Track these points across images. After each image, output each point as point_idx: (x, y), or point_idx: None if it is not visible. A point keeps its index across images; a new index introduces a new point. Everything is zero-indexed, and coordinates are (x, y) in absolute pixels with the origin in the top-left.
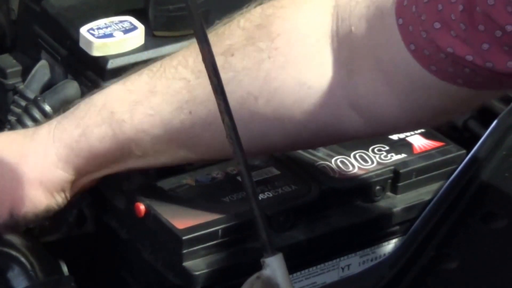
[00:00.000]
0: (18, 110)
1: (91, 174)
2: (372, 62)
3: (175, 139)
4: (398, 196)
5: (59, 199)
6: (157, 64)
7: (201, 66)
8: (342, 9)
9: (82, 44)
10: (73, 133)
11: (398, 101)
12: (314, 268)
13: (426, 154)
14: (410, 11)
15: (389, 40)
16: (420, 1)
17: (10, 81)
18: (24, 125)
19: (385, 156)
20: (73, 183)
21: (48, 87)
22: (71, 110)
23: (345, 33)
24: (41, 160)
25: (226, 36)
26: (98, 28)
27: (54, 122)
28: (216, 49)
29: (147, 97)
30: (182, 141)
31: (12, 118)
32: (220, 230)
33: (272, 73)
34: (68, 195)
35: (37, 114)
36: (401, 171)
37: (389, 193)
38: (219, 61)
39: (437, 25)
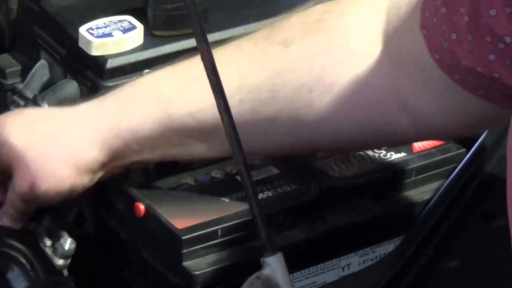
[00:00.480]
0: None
1: (126, 157)
2: (414, 66)
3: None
4: (398, 195)
5: (86, 180)
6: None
7: (257, 54)
8: (391, 10)
9: (81, 44)
10: (115, 113)
11: (438, 105)
12: (314, 267)
13: (425, 153)
14: (431, 22)
15: (422, 47)
16: (439, 12)
17: (9, 81)
18: None
19: (385, 155)
20: (105, 165)
21: (47, 86)
22: (114, 91)
23: (393, 33)
24: (75, 138)
25: (283, 28)
26: (97, 28)
27: (93, 101)
28: (273, 39)
29: (199, 80)
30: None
31: None
32: (219, 230)
33: (328, 67)
34: (96, 177)
35: None
36: (400, 170)
37: (388, 192)
38: (275, 51)
39: (454, 36)
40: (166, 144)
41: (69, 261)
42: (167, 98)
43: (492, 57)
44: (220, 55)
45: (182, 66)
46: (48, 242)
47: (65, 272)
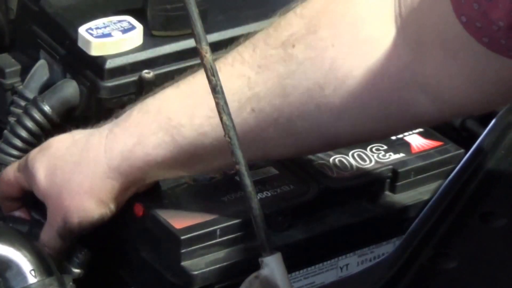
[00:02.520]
0: (17, 111)
1: (143, 181)
2: (435, 39)
3: (239, 138)
4: (397, 195)
5: (112, 207)
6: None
7: (260, 60)
8: None
9: (80, 44)
10: (127, 142)
11: (463, 77)
12: (313, 267)
13: (424, 153)
14: None
15: (446, 13)
16: None
17: (8, 81)
18: (24, 126)
19: (383, 156)
20: (126, 190)
21: (46, 86)
22: (123, 117)
23: (409, 12)
24: (92, 170)
25: (283, 27)
26: (97, 28)
27: (105, 130)
28: (274, 42)
29: (205, 99)
30: (246, 141)
31: (12, 119)
32: (218, 230)
33: (338, 61)
34: (122, 201)
35: (36, 114)
36: (399, 170)
37: (387, 193)
38: (279, 54)
39: None
40: (187, 163)
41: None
42: (176, 124)
43: None
44: (223, 69)
45: (187, 85)
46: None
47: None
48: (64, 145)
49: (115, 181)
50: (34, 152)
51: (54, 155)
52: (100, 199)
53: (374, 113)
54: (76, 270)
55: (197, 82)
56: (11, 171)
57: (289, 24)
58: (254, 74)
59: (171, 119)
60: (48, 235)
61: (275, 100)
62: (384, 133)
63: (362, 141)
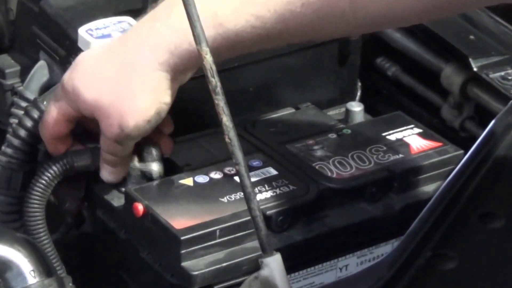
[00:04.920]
0: (18, 112)
1: (192, 69)
2: None
3: (286, 32)
4: (396, 196)
5: (166, 99)
6: None
7: None
8: None
9: (80, 44)
10: (172, 37)
11: None
12: (312, 268)
13: (423, 154)
14: None
15: None
16: None
17: (8, 81)
18: (25, 128)
19: (383, 157)
20: (175, 80)
21: (46, 87)
22: (162, 13)
23: None
24: (139, 68)
25: None
26: (97, 29)
27: (142, 29)
28: None
29: None
30: (293, 32)
31: (13, 121)
32: (218, 230)
33: None
34: (174, 92)
35: (37, 115)
36: (398, 171)
37: (386, 194)
38: None
39: None
40: (227, 52)
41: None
42: (223, 19)
43: None
44: None
45: None
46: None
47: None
48: (98, 55)
49: (166, 73)
50: (66, 76)
51: (91, 67)
52: (153, 92)
53: None
54: (155, 167)
55: None
56: (52, 108)
57: None
58: None
59: (217, 14)
60: (107, 145)
61: None
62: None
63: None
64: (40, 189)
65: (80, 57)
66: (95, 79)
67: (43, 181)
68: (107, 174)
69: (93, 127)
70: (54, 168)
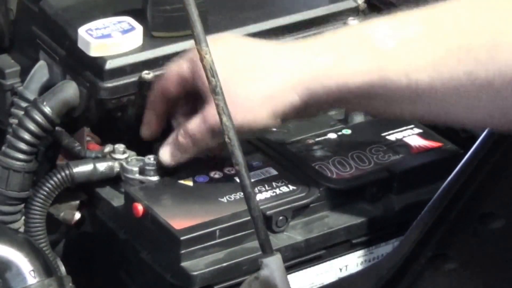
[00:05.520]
0: (18, 112)
1: (319, 106)
2: None
3: (442, 90)
4: (396, 196)
5: (277, 123)
6: (429, 11)
7: (480, 22)
8: None
9: (80, 45)
10: (327, 61)
11: None
12: (312, 268)
13: (423, 154)
14: None
15: None
16: None
17: (8, 82)
18: (25, 128)
19: (383, 157)
20: (298, 111)
21: (46, 87)
22: (322, 35)
23: None
24: (279, 81)
25: None
26: (97, 29)
27: (300, 44)
28: None
29: (417, 35)
30: (449, 96)
31: (13, 121)
32: (218, 231)
33: None
34: (288, 119)
35: (37, 116)
36: (398, 171)
37: (386, 194)
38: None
39: None
40: (369, 99)
41: None
42: (383, 52)
43: None
44: (446, 18)
45: (400, 18)
46: None
47: (64, 272)
48: (247, 44)
49: (298, 97)
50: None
51: (236, 51)
52: (274, 110)
53: None
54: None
55: (413, 16)
56: (178, 64)
57: None
58: (470, 23)
59: (378, 48)
60: (199, 129)
61: (481, 55)
62: None
63: None
64: (40, 200)
65: (232, 40)
66: (232, 61)
67: (44, 192)
68: (168, 155)
69: (180, 110)
70: (55, 179)
